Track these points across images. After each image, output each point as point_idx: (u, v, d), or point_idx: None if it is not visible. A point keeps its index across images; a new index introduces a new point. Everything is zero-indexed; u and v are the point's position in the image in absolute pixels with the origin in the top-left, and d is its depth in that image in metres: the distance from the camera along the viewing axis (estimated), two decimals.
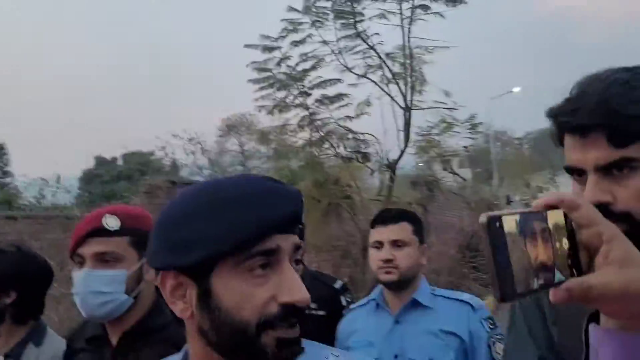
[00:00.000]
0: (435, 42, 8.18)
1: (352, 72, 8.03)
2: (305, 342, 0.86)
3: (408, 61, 8.15)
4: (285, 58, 7.74)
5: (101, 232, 1.45)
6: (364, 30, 8.10)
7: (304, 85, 7.72)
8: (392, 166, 8.16)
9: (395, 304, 1.96)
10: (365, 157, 8.04)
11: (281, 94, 7.83)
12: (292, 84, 7.57)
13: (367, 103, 8.27)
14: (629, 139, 0.86)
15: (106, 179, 26.66)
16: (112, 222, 1.48)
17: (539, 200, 0.63)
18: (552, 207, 0.61)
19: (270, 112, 7.90)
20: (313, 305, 2.02)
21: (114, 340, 1.48)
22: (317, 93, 7.85)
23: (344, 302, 2.24)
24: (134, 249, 1.49)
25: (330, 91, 7.94)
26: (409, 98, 8.04)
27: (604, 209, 0.80)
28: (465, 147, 13.38)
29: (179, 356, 0.90)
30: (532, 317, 1.08)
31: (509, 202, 20.25)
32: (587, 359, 0.70)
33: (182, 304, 0.80)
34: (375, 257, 1.93)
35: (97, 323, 1.54)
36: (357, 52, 8.24)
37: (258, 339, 0.77)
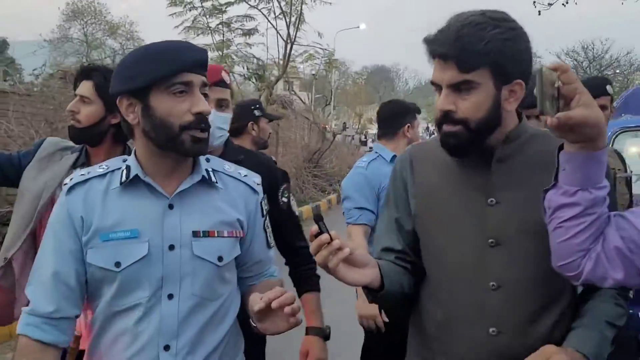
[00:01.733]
0: None
1: (247, 2, 9.73)
2: (210, 157, 1.38)
3: (294, 2, 10.05)
4: None
5: (219, 83, 1.80)
6: None
7: (222, 16, 9.34)
8: (270, 88, 10.17)
9: None
10: (261, 78, 9.96)
11: (193, 14, 9.40)
12: (214, 13, 9.16)
13: (256, 31, 10.06)
14: (471, 68, 1.17)
15: None
16: (226, 77, 1.88)
17: (549, 65, 0.99)
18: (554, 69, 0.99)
19: (193, 29, 9.39)
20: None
21: None
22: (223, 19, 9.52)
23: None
24: (230, 99, 1.91)
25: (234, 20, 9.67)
26: (291, 33, 10.03)
27: (448, 114, 1.21)
28: (314, 74, 15.74)
29: (130, 158, 1.32)
30: (399, 192, 1.41)
31: (344, 128, 23.14)
32: (557, 174, 1.07)
33: (132, 115, 1.25)
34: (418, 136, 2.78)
35: None
36: None
37: (179, 136, 1.22)
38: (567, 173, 1.04)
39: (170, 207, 1.27)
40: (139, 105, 1.23)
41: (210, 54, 11.05)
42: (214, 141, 1.75)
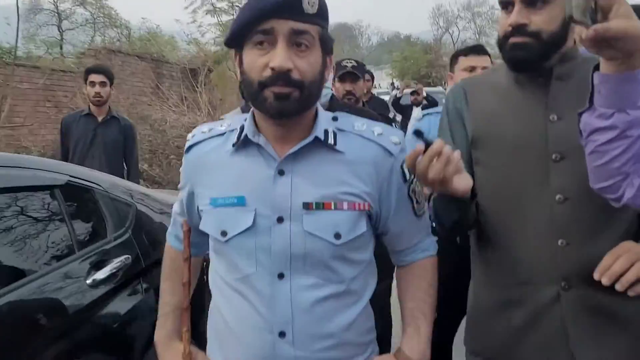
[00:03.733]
0: None
1: None
2: (338, 113, 1.23)
3: None
4: None
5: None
6: None
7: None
8: None
9: None
10: None
11: None
12: None
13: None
14: None
15: None
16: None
17: None
18: None
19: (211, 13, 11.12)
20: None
21: None
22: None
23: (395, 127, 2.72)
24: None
25: None
26: None
27: (521, 28, 1.20)
28: None
29: (248, 116, 1.20)
30: (454, 123, 1.40)
31: None
32: (592, 97, 1.02)
33: (239, 69, 1.15)
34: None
35: None
36: None
37: (261, 92, 1.07)
38: (602, 95, 0.98)
39: (281, 172, 1.13)
40: (239, 58, 1.13)
41: (216, 33, 12.45)
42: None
